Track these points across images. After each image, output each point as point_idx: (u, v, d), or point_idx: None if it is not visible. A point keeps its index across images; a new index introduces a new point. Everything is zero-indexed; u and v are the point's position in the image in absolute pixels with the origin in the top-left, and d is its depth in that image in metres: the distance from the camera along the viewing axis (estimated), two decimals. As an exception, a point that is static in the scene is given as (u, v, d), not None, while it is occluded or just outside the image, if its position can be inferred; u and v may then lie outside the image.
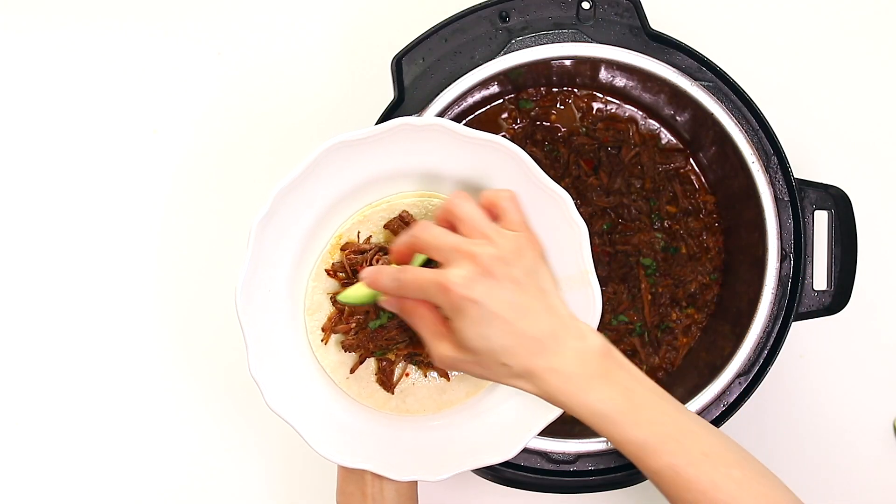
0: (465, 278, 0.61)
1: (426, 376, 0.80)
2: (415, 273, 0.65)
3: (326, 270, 0.78)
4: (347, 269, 0.77)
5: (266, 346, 0.75)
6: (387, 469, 0.76)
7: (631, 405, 0.62)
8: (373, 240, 0.78)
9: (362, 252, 0.77)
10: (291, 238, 0.76)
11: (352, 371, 0.78)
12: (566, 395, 0.62)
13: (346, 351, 0.78)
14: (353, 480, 0.78)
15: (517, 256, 0.63)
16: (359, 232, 0.78)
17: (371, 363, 0.79)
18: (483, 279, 0.61)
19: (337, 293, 0.77)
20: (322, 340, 0.78)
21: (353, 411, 0.79)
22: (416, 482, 0.80)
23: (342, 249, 0.78)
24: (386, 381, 0.79)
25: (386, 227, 0.78)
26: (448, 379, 0.79)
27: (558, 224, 0.76)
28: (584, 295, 0.77)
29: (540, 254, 0.66)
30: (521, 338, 0.62)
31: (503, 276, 0.62)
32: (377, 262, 0.76)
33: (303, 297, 0.78)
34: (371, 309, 0.76)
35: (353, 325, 0.77)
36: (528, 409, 0.78)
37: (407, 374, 0.79)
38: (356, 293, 0.74)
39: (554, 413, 0.76)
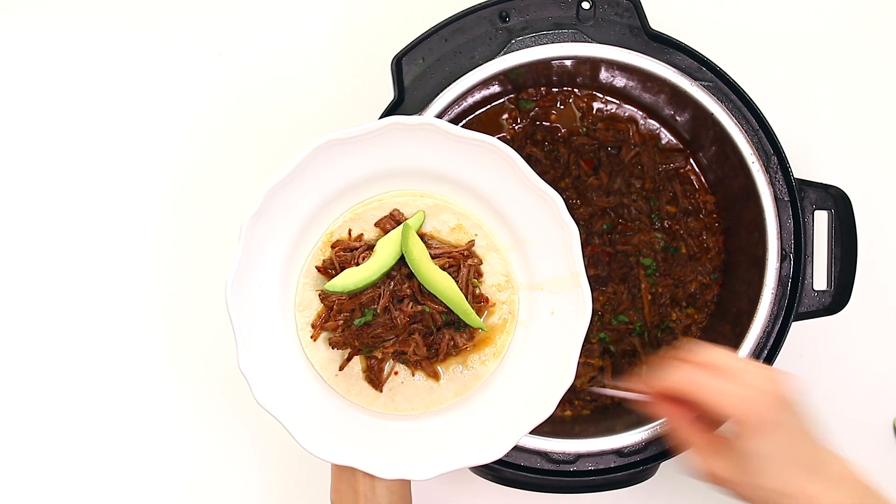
0: (770, 400, 0.67)
1: (414, 375, 0.80)
2: (708, 376, 0.68)
3: (317, 267, 0.78)
4: (337, 266, 0.77)
5: (256, 341, 0.76)
6: (374, 467, 0.76)
7: None
8: (364, 237, 0.78)
9: (351, 249, 0.78)
10: (282, 235, 0.77)
11: (340, 368, 0.79)
12: None
13: (333, 348, 0.78)
14: (345, 479, 0.79)
15: (794, 389, 0.69)
16: (350, 230, 0.79)
17: (360, 361, 0.79)
18: (786, 405, 0.67)
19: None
20: (311, 337, 0.78)
21: (341, 408, 0.79)
22: (409, 481, 0.80)
23: (332, 247, 0.78)
24: (374, 379, 0.79)
25: (377, 224, 0.78)
26: (437, 379, 0.80)
27: (549, 225, 0.76)
28: (575, 296, 0.77)
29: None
30: (801, 466, 0.68)
31: (797, 404, 0.68)
32: (364, 259, 0.76)
33: (293, 294, 0.78)
34: (356, 306, 0.77)
35: (341, 321, 0.77)
36: (516, 411, 0.78)
37: (396, 373, 0.80)
38: (343, 282, 0.75)
39: (541, 415, 0.76)
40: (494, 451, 0.76)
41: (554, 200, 0.75)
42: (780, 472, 0.67)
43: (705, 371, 0.69)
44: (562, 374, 0.76)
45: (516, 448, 0.83)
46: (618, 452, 0.84)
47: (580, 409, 0.92)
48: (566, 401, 0.91)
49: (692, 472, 0.72)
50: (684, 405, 0.72)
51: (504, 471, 0.84)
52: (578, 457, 0.84)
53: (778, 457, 0.67)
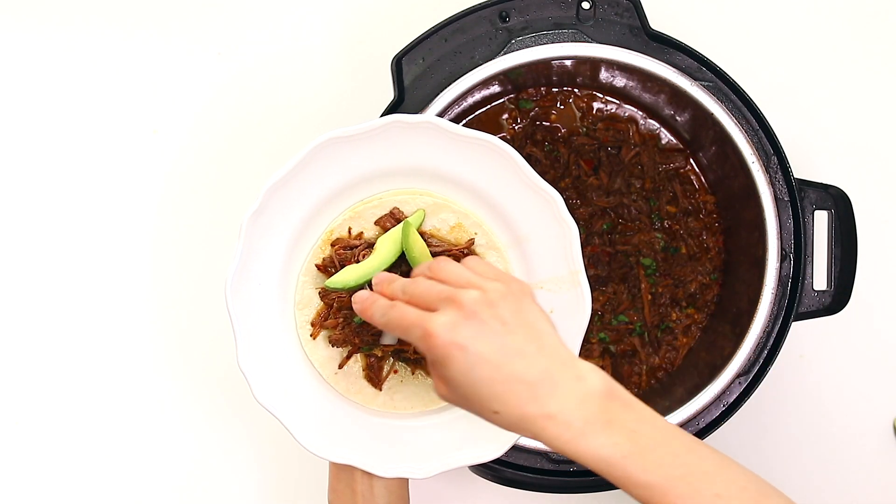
0: (448, 324, 0.59)
1: (414, 374, 0.80)
2: (402, 311, 0.62)
3: (317, 265, 0.78)
4: (337, 264, 0.77)
5: (255, 339, 0.76)
6: (373, 465, 0.76)
7: (637, 448, 0.58)
8: (364, 236, 0.79)
9: (351, 248, 0.78)
10: (282, 233, 0.77)
11: (340, 366, 0.79)
12: (566, 442, 0.58)
13: (333, 346, 0.78)
14: (343, 478, 0.79)
15: (504, 297, 0.61)
16: (350, 228, 0.79)
17: (360, 359, 0.79)
18: (468, 322, 0.59)
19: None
20: (311, 335, 0.78)
21: (340, 407, 0.79)
22: (407, 480, 0.80)
23: (332, 245, 0.78)
24: (374, 377, 0.79)
25: (377, 223, 0.79)
26: None
27: (549, 224, 0.77)
28: (574, 295, 0.77)
29: (529, 294, 0.63)
30: (512, 383, 0.58)
31: (490, 318, 0.59)
32: (364, 257, 0.76)
33: (293, 292, 0.78)
34: None
35: (341, 319, 0.77)
36: None
37: (395, 371, 0.80)
38: (343, 278, 0.75)
39: None
40: (493, 451, 0.76)
41: (554, 199, 0.75)
42: (495, 392, 0.58)
43: (401, 304, 0.63)
44: None
45: (516, 448, 0.83)
46: (618, 452, 0.84)
47: (580, 409, 0.92)
48: (566, 401, 0.91)
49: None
50: None
51: (504, 471, 0.84)
52: (578, 457, 0.84)
53: (480, 378, 0.58)
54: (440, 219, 0.79)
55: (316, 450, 0.76)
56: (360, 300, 0.69)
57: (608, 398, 0.59)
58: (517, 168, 0.75)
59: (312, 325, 0.78)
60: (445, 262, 0.65)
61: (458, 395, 0.61)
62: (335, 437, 0.77)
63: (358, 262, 0.77)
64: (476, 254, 0.79)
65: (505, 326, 0.59)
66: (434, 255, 0.77)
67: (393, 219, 0.78)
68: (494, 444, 0.77)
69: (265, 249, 0.76)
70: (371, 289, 0.76)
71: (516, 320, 0.60)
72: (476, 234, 0.79)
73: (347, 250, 0.78)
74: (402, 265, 0.77)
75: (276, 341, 0.78)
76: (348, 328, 0.77)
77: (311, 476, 0.95)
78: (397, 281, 0.67)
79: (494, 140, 0.75)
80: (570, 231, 0.76)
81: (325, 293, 0.78)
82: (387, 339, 0.77)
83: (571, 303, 0.77)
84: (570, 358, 0.60)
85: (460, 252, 0.78)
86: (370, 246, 0.77)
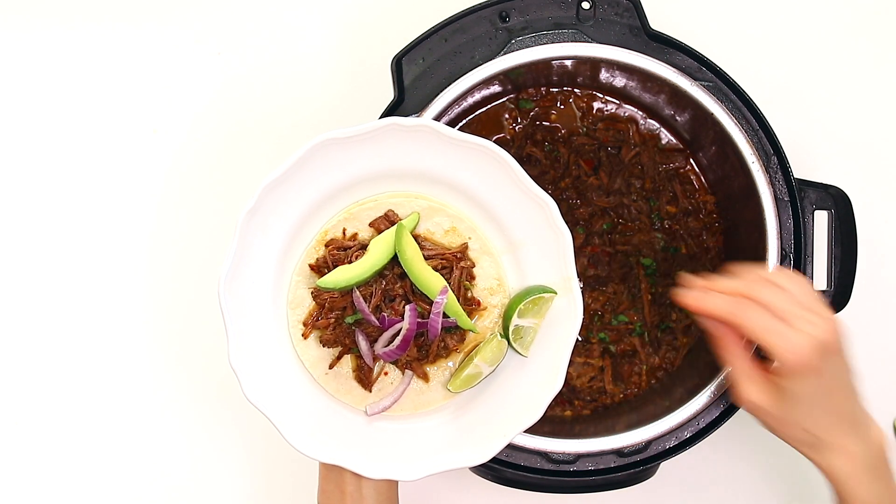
0: (814, 347, 0.68)
1: (404, 376, 0.80)
2: (759, 312, 0.69)
3: (310, 265, 0.78)
4: (330, 264, 0.77)
5: (247, 337, 0.76)
6: (361, 467, 0.76)
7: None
8: (359, 237, 0.79)
9: (345, 248, 0.78)
10: (277, 232, 0.77)
11: (330, 367, 0.79)
12: (846, 477, 0.71)
13: (324, 346, 0.78)
14: (332, 479, 0.79)
15: (845, 339, 0.70)
16: (344, 229, 0.79)
17: (350, 360, 0.79)
18: (830, 354, 0.69)
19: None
20: (302, 335, 0.78)
21: (330, 407, 0.79)
22: (396, 482, 0.80)
23: (326, 245, 0.78)
24: (364, 378, 0.79)
25: (371, 224, 0.79)
26: (427, 381, 0.79)
27: (544, 230, 0.77)
28: (567, 301, 0.77)
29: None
30: (837, 415, 0.71)
31: (842, 354, 0.70)
32: (357, 258, 0.76)
33: (286, 291, 0.78)
34: (348, 304, 0.77)
35: (332, 319, 0.77)
36: (504, 415, 0.78)
37: (385, 374, 0.79)
38: (335, 278, 0.75)
39: (529, 420, 0.76)
40: (482, 455, 0.76)
41: (548, 205, 0.75)
42: (817, 416, 0.70)
43: (758, 306, 0.70)
44: (551, 379, 0.76)
45: (516, 448, 0.83)
46: (618, 452, 0.84)
47: (580, 409, 0.92)
48: (566, 401, 0.91)
49: (732, 397, 0.75)
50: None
51: (504, 471, 0.84)
52: (578, 457, 0.84)
53: (816, 402, 0.69)
54: (435, 222, 0.79)
55: (304, 449, 0.76)
56: (697, 296, 0.74)
57: (883, 452, 0.73)
58: (512, 173, 0.75)
59: (304, 324, 0.78)
60: (795, 278, 0.71)
61: (784, 408, 0.71)
62: (324, 437, 0.77)
63: (350, 262, 0.77)
64: (468, 258, 0.79)
65: (848, 366, 0.71)
66: (427, 258, 0.77)
67: (387, 221, 0.78)
68: (482, 448, 0.76)
69: (260, 248, 0.76)
70: (359, 290, 0.76)
71: (850, 363, 0.72)
72: (470, 238, 0.79)
73: (341, 251, 0.78)
74: (394, 267, 0.77)
75: (268, 340, 0.78)
76: (339, 329, 0.77)
77: (301, 477, 0.95)
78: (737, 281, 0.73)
79: (490, 145, 0.75)
80: (563, 238, 0.76)
81: (317, 293, 0.78)
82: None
83: (564, 309, 0.77)
84: (864, 408, 0.74)
85: (453, 256, 0.78)
86: (363, 247, 0.77)
